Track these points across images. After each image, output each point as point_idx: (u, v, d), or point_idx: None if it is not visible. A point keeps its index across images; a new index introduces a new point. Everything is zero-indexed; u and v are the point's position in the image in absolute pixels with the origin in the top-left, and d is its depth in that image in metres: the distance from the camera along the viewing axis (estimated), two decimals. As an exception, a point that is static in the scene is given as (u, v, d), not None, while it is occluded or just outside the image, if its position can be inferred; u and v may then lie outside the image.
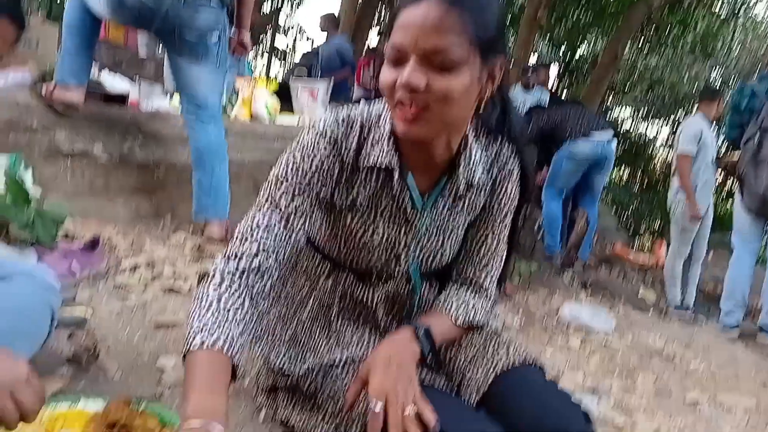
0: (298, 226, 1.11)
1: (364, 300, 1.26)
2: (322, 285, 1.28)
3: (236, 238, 1.09)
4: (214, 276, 1.04)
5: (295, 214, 1.10)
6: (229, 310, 0.99)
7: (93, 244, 2.16)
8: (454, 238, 1.23)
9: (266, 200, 1.11)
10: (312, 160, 1.12)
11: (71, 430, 1.04)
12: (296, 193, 1.11)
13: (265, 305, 1.09)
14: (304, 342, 1.26)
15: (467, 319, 1.21)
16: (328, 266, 1.28)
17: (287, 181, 1.11)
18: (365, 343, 1.23)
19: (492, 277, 1.28)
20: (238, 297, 1.02)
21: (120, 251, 2.40)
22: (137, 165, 3.18)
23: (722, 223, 6.79)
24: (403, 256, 1.21)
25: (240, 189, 3.12)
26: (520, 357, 1.15)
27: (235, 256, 1.06)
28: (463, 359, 1.19)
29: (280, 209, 1.10)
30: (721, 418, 2.03)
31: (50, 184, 2.85)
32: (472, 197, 1.20)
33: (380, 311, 1.26)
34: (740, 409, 2.13)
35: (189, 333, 0.95)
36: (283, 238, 1.09)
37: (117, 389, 1.34)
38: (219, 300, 0.99)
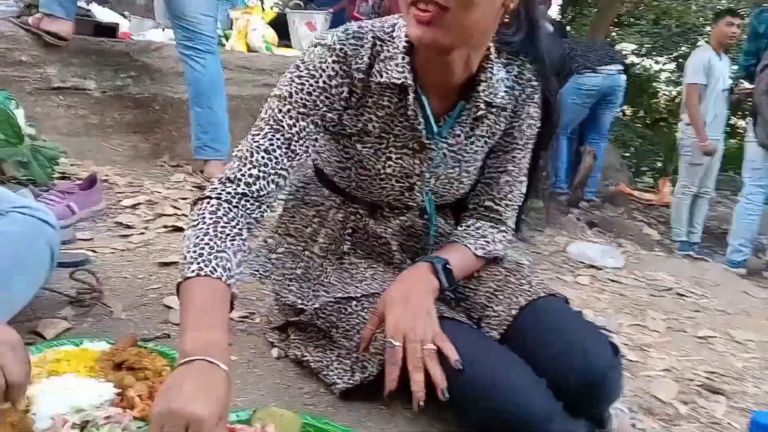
0: (301, 150, 1.04)
1: (378, 233, 1.20)
2: (332, 219, 1.22)
3: (235, 159, 1.02)
4: (210, 200, 0.97)
5: (298, 138, 1.03)
6: (226, 238, 0.93)
7: (91, 183, 2.09)
8: (472, 167, 1.17)
9: (268, 121, 1.03)
10: (319, 78, 1.03)
11: (76, 371, 0.99)
12: (301, 113, 1.03)
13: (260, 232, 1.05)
14: (315, 277, 1.21)
15: (487, 250, 1.15)
16: (337, 199, 1.23)
17: (291, 100, 1.03)
18: (380, 278, 1.17)
19: (512, 208, 1.21)
20: (236, 224, 0.96)
21: (119, 190, 2.34)
22: (132, 101, 3.08)
23: (727, 161, 6.72)
24: (417, 186, 1.15)
25: (239, 125, 3.02)
26: (542, 289, 1.10)
27: (234, 179, 0.99)
28: (484, 293, 1.14)
29: (283, 131, 1.02)
30: (733, 353, 2.02)
31: (43, 121, 2.76)
32: (492, 121, 1.13)
33: (394, 245, 1.21)
34: (752, 344, 2.12)
35: (184, 261, 0.89)
36: (284, 163, 1.02)
37: (122, 329, 1.29)
38: (216, 226, 0.93)
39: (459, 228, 1.21)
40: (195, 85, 2.72)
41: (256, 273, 1.26)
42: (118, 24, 3.37)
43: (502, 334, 1.07)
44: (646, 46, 14.76)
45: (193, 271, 0.87)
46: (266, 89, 3.42)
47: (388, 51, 1.05)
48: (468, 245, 1.14)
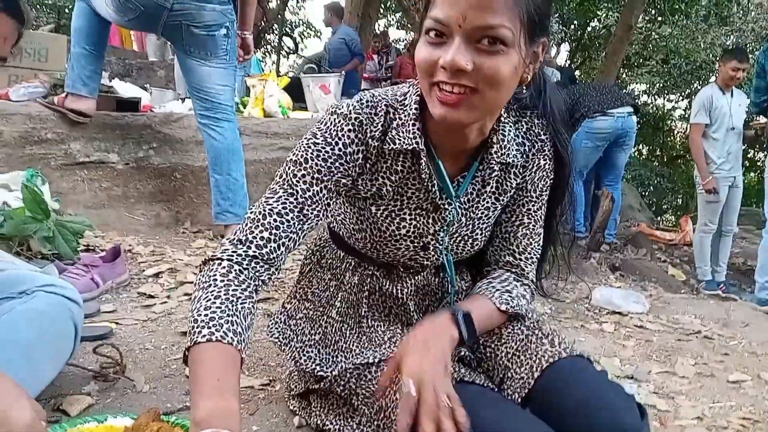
0: (313, 215, 1.05)
1: (394, 294, 1.21)
2: (348, 281, 1.24)
3: (247, 221, 1.03)
4: (221, 262, 0.99)
5: (311, 202, 1.04)
6: (237, 301, 0.94)
7: (114, 255, 2.14)
8: (485, 224, 1.17)
9: (282, 185, 1.05)
10: (335, 146, 1.05)
11: (102, 449, 1.00)
12: (315, 179, 1.05)
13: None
14: (334, 342, 1.21)
15: (511, 305, 1.13)
16: (353, 261, 1.24)
17: (306, 165, 1.05)
18: (398, 341, 1.16)
19: (532, 261, 1.21)
20: (247, 287, 0.97)
21: (142, 259, 2.38)
22: (154, 171, 3.17)
23: (748, 195, 6.64)
24: (432, 246, 1.16)
25: (258, 188, 3.10)
26: (566, 349, 1.08)
27: (245, 241, 1.01)
28: (505, 353, 1.12)
29: (296, 195, 1.04)
30: (766, 396, 1.96)
31: (68, 195, 2.85)
32: (503, 178, 1.14)
33: (411, 305, 1.21)
34: (786, 386, 2.06)
35: (195, 324, 0.90)
36: (296, 226, 1.03)
37: (146, 402, 1.31)
38: (227, 289, 0.94)
39: (483, 280, 1.19)
40: (214, 153, 2.79)
41: (277, 341, 1.28)
42: (140, 98, 3.50)
43: (524, 396, 1.05)
44: (657, 85, 14.84)
45: (203, 336, 0.87)
46: (283, 152, 3.51)
47: (400, 119, 1.07)
48: (492, 299, 1.13)
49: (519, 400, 1.05)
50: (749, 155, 12.15)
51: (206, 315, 0.90)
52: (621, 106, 4.58)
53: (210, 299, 0.93)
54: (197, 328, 0.89)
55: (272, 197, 1.04)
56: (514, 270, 1.20)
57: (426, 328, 1.03)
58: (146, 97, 3.80)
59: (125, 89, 3.71)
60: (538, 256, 1.22)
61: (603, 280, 3.65)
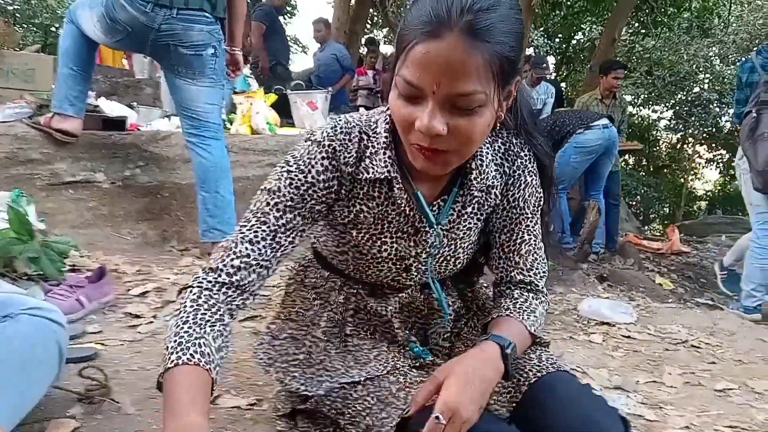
0: (287, 242, 1.06)
1: (379, 312, 1.21)
2: (333, 300, 1.24)
3: (220, 249, 1.05)
4: (192, 289, 1.01)
5: (285, 230, 1.05)
6: (205, 324, 0.96)
7: (100, 275, 2.13)
8: (468, 242, 1.18)
9: (255, 213, 1.06)
10: (308, 173, 1.05)
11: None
12: (288, 207, 1.05)
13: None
14: (319, 362, 1.21)
15: (537, 327, 1.14)
16: (338, 281, 1.24)
17: (279, 193, 1.05)
18: (383, 359, 1.16)
19: (542, 275, 1.22)
20: (217, 310, 0.99)
21: (128, 279, 2.37)
22: (141, 189, 3.17)
23: (734, 204, 6.71)
24: (414, 267, 1.17)
25: (245, 205, 3.05)
26: (553, 364, 1.09)
27: (215, 269, 1.02)
28: None
29: (269, 224, 1.04)
30: (753, 404, 1.97)
31: (54, 215, 2.84)
32: (483, 199, 1.15)
33: (396, 322, 1.21)
34: (773, 394, 2.07)
35: (166, 351, 0.92)
36: (268, 254, 1.04)
37: (131, 425, 1.30)
38: (196, 313, 0.96)
39: (506, 300, 1.18)
40: (201, 171, 2.78)
41: (261, 362, 1.27)
42: (126, 117, 3.50)
43: (511, 411, 1.06)
44: (641, 96, 15.02)
45: (172, 361, 0.90)
46: (270, 169, 3.48)
47: (373, 147, 1.08)
48: (524, 322, 1.12)
49: (506, 415, 1.06)
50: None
51: (175, 341, 0.92)
52: (599, 119, 4.68)
53: (179, 325, 0.95)
54: (167, 355, 0.91)
55: (245, 225, 1.05)
56: (529, 287, 1.20)
57: (476, 356, 1.01)
58: (133, 116, 3.79)
59: (111, 108, 3.70)
60: (546, 268, 1.23)
61: (591, 291, 3.66)
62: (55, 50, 2.94)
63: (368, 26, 14.47)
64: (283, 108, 4.52)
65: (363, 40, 9.63)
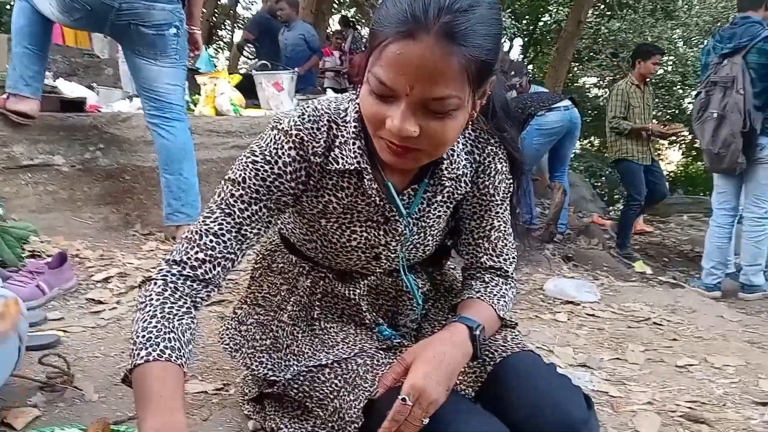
0: (252, 234, 1.04)
1: (347, 295, 1.20)
2: (301, 285, 1.22)
3: (183, 241, 1.02)
4: (157, 282, 0.99)
5: (250, 221, 1.03)
6: (173, 318, 0.95)
7: (61, 260, 2.08)
8: (437, 230, 1.18)
9: (220, 204, 1.03)
10: (274, 165, 1.02)
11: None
12: (254, 198, 1.02)
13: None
14: (286, 347, 1.20)
15: (506, 311, 1.15)
16: (305, 266, 1.23)
17: (244, 185, 1.02)
18: (351, 341, 1.16)
19: (512, 261, 1.22)
20: (183, 303, 0.98)
21: (90, 264, 2.32)
22: (102, 173, 3.09)
23: (695, 184, 6.87)
24: (384, 255, 1.16)
25: (210, 188, 3.04)
26: (518, 344, 1.10)
27: (179, 261, 1.00)
28: None
29: (234, 216, 1.02)
30: (712, 379, 2.03)
31: (12, 200, 2.75)
32: (453, 187, 1.13)
33: (364, 306, 1.21)
34: (731, 368, 2.14)
35: (134, 346, 0.91)
36: (233, 246, 1.02)
37: (95, 412, 1.28)
38: (163, 308, 0.95)
39: (477, 283, 1.19)
40: (164, 153, 2.73)
41: (227, 347, 1.26)
42: (85, 98, 3.40)
43: (476, 390, 1.07)
44: (607, 78, 15.20)
45: (142, 357, 0.88)
46: (235, 151, 3.47)
47: (342, 136, 1.05)
48: (494, 305, 1.13)
49: (472, 394, 1.07)
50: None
51: (143, 336, 0.91)
52: (561, 100, 4.70)
53: (146, 320, 0.93)
54: (136, 350, 0.90)
55: (209, 217, 1.03)
56: (499, 272, 1.21)
57: (443, 338, 1.01)
58: (93, 97, 3.69)
59: (70, 89, 3.60)
60: (515, 254, 1.24)
61: (556, 271, 3.72)
62: (8, 29, 2.83)
63: (335, 6, 14.32)
64: (248, 89, 4.45)
65: (336, 19, 9.52)
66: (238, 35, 16.72)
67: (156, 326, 0.92)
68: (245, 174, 1.02)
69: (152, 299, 0.96)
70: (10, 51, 2.94)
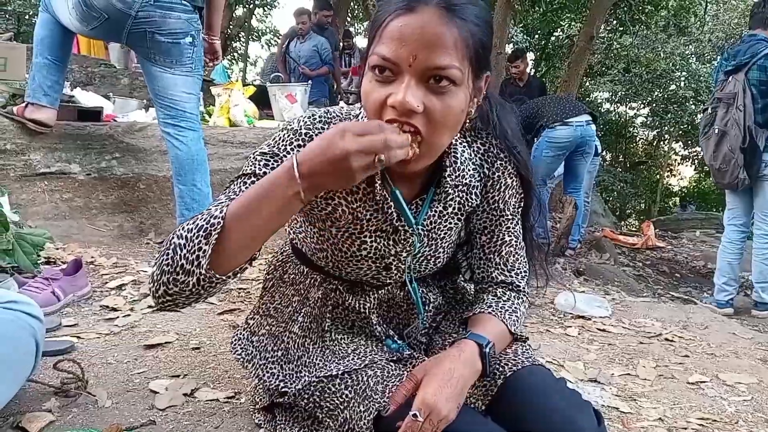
0: None
1: (357, 308, 1.21)
2: (312, 296, 1.23)
3: (188, 220, 1.00)
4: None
5: None
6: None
7: (75, 267, 2.10)
8: (448, 242, 1.18)
9: (228, 195, 1.02)
10: (282, 158, 1.03)
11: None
12: None
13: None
14: (297, 358, 1.21)
15: (518, 327, 1.14)
16: (317, 277, 1.24)
17: (253, 177, 1.02)
18: (362, 353, 1.17)
19: (523, 275, 1.22)
20: None
21: (104, 272, 2.34)
22: (117, 181, 3.13)
23: (709, 200, 6.83)
24: (394, 266, 1.16)
25: (223, 199, 3.06)
26: (528, 358, 1.11)
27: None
28: None
29: None
30: (724, 396, 2.01)
31: (28, 207, 2.79)
32: (463, 199, 1.15)
33: (374, 318, 1.22)
34: (743, 386, 2.12)
35: (191, 233, 0.90)
36: None
37: (108, 417, 1.29)
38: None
39: (489, 297, 1.19)
40: (178, 164, 2.74)
41: (240, 357, 1.27)
42: (102, 108, 3.45)
43: (486, 404, 1.07)
44: (619, 93, 15.18)
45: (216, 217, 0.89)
46: (248, 161, 3.50)
47: None
48: (505, 321, 1.13)
49: (482, 408, 1.07)
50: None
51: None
52: (579, 114, 4.66)
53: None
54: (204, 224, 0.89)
55: (214, 203, 1.01)
56: (511, 287, 1.21)
57: (453, 355, 1.01)
58: (109, 106, 3.74)
59: (87, 98, 3.65)
60: (527, 268, 1.24)
61: (567, 285, 3.71)
62: (28, 38, 2.88)
63: (349, 19, 14.42)
64: (262, 100, 4.49)
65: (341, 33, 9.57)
66: (252, 47, 16.88)
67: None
68: (254, 167, 1.03)
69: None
70: (29, 60, 2.99)
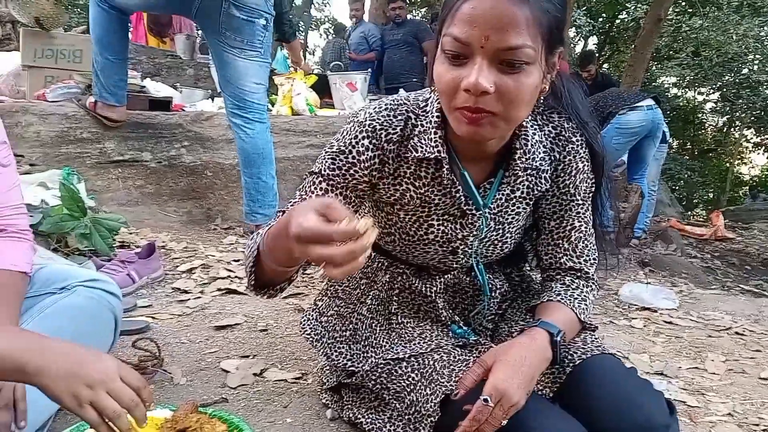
0: None
1: (423, 291, 1.22)
2: (379, 280, 1.26)
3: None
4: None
5: None
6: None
7: (149, 251, 2.20)
8: (516, 227, 1.18)
9: (302, 193, 1.11)
10: (348, 153, 1.08)
11: (143, 438, 1.04)
12: (330, 185, 1.08)
13: None
14: (365, 338, 1.24)
15: (587, 315, 1.13)
16: (385, 261, 1.26)
17: (323, 175, 1.09)
18: (428, 337, 1.18)
19: (592, 262, 1.20)
20: None
21: (175, 256, 2.44)
22: (186, 169, 3.24)
23: None
24: (461, 250, 1.17)
25: (286, 185, 3.14)
26: (598, 347, 1.09)
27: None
28: None
29: None
30: (799, 394, 1.93)
31: (103, 193, 2.92)
32: (532, 183, 1.14)
33: (440, 303, 1.22)
34: (819, 384, 2.03)
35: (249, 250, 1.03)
36: None
37: (183, 394, 1.35)
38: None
39: (557, 285, 1.18)
40: (244, 155, 2.76)
41: (309, 337, 1.31)
42: (171, 98, 3.57)
43: (554, 391, 1.07)
44: (687, 78, 14.57)
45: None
46: (310, 150, 3.56)
47: (422, 126, 1.08)
48: (574, 309, 1.12)
49: (550, 395, 1.07)
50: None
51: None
52: (643, 99, 4.52)
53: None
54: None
55: (290, 203, 1.10)
56: (580, 274, 1.20)
57: (524, 343, 1.01)
58: (177, 96, 3.86)
59: (156, 88, 3.78)
60: (596, 255, 1.22)
61: (632, 276, 3.62)
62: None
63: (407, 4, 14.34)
64: (323, 89, 4.55)
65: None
66: (311, 37, 17.04)
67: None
68: (323, 165, 1.10)
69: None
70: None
